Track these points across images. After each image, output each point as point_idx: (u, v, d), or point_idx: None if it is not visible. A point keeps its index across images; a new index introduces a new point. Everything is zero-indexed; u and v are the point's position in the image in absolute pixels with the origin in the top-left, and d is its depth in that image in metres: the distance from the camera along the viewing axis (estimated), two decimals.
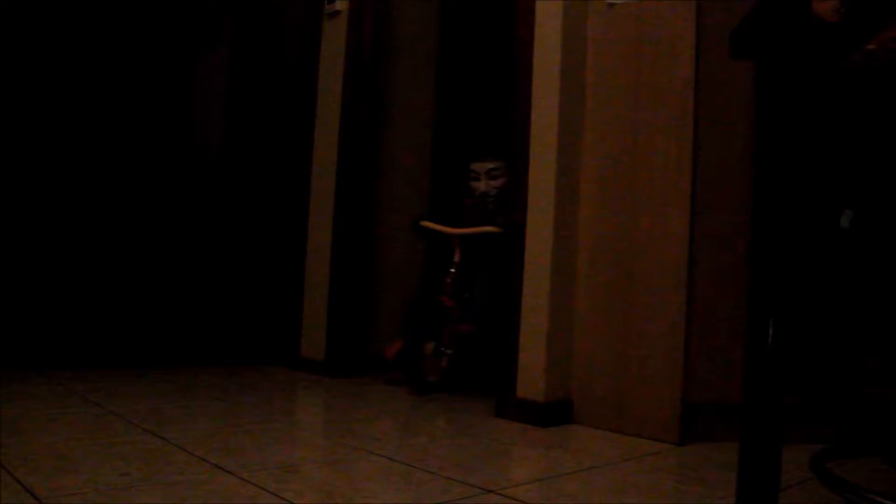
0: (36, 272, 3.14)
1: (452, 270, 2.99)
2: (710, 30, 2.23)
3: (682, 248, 2.21)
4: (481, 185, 3.16)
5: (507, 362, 2.46)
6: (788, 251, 1.26)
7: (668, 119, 2.26)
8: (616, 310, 2.34)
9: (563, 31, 2.41)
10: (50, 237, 3.19)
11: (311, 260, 3.31)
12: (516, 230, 2.48)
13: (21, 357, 2.90)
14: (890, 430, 2.04)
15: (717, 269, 2.22)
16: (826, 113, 1.41)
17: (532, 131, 2.46)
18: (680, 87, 2.24)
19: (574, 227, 2.44)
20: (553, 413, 2.37)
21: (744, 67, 2.10)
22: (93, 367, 2.94)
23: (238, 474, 1.63)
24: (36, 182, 3.19)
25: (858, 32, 1.29)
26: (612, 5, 2.41)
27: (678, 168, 2.23)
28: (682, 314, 2.20)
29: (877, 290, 1.32)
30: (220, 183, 3.62)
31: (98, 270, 3.28)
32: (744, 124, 2.20)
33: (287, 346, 3.33)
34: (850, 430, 2.19)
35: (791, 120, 1.29)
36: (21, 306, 3.04)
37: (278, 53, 3.64)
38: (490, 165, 3.15)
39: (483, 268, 3.03)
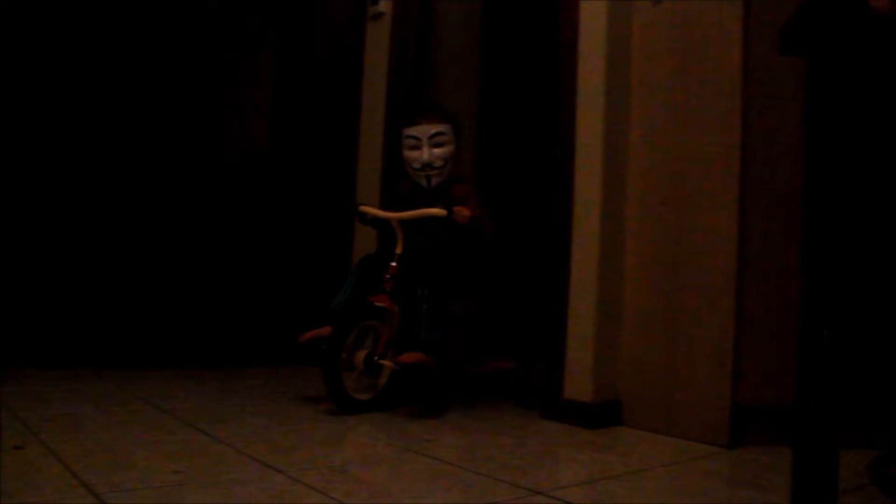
0: (88, 271, 3.21)
1: (393, 265, 2.46)
2: (758, 24, 2.19)
3: (731, 246, 2.17)
4: (422, 154, 2.59)
5: (554, 363, 2.44)
6: (841, 253, 1.23)
7: (715, 117, 2.23)
8: (664, 310, 2.31)
9: (607, 28, 2.39)
10: (104, 237, 3.26)
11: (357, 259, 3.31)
12: (562, 229, 2.45)
13: (74, 356, 2.97)
14: None
15: (768, 270, 2.18)
16: (883, 110, 1.38)
17: (577, 131, 2.44)
18: (727, 84, 2.20)
19: (622, 226, 2.42)
20: (601, 414, 2.35)
21: (795, 63, 2.06)
22: (145, 367, 3.01)
23: (287, 473, 1.65)
24: (94, 182, 3.27)
25: None
26: (657, 2, 2.38)
27: (727, 168, 2.19)
28: (731, 315, 2.16)
29: None
30: (267, 183, 3.66)
31: (151, 270, 3.35)
32: (794, 123, 2.16)
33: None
34: None
35: (844, 118, 1.27)
36: (73, 306, 3.12)
37: (322, 54, 3.67)
38: (434, 129, 2.60)
39: (430, 265, 2.52)
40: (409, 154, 2.63)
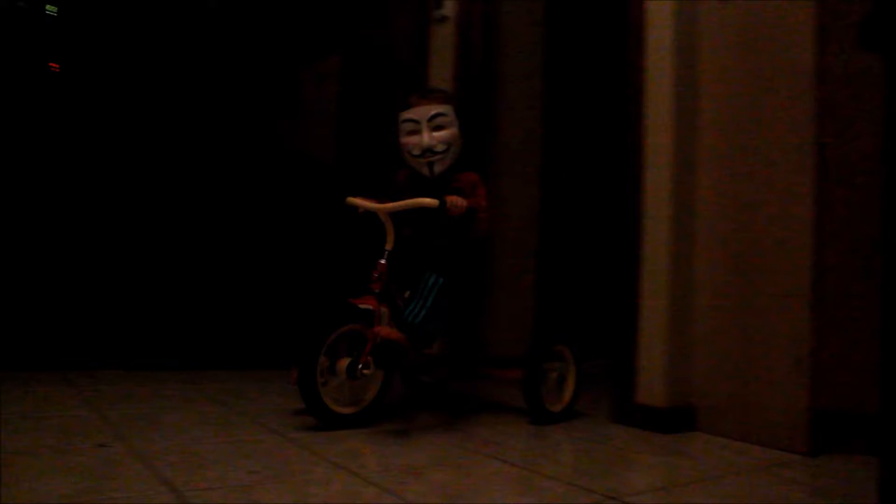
0: (164, 275, 3.30)
1: (382, 262, 2.20)
2: (832, 17, 2.12)
3: (807, 244, 2.11)
4: (423, 139, 2.31)
5: (625, 366, 2.41)
6: None
7: (787, 116, 2.17)
8: (737, 312, 2.26)
9: (673, 27, 2.35)
10: (176, 240, 3.35)
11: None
12: (633, 228, 2.42)
13: (154, 358, 3.05)
14: None
15: (848, 269, 2.11)
16: None
17: (646, 129, 2.40)
18: (800, 81, 2.14)
19: (692, 226, 2.37)
20: (674, 419, 2.31)
21: (873, 59, 1.99)
22: (222, 368, 3.08)
23: (361, 475, 1.66)
24: (166, 189, 3.36)
25: None
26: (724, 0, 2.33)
27: (800, 166, 2.13)
28: (807, 315, 2.09)
29: None
30: (333, 194, 3.70)
31: (226, 274, 3.42)
32: (872, 121, 2.08)
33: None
34: None
35: None
36: (153, 308, 3.21)
37: (386, 60, 3.70)
38: (434, 109, 2.32)
39: (430, 261, 2.30)
40: (408, 140, 2.34)
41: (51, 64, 3.66)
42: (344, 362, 2.10)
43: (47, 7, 3.60)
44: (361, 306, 2.12)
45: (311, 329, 2.07)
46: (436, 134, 2.31)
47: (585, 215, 3.93)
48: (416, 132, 2.32)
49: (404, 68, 3.54)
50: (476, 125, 3.26)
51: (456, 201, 2.20)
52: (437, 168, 2.36)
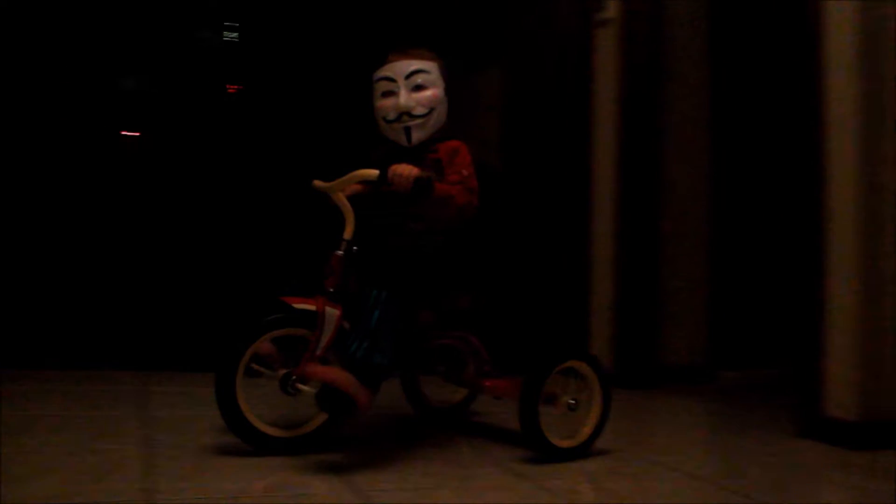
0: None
1: (339, 253, 1.75)
2: None
3: None
4: (399, 100, 1.88)
5: (809, 374, 2.25)
6: None
7: None
8: None
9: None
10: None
11: (596, 270, 3.27)
12: (816, 220, 2.25)
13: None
14: None
15: None
16: None
17: (828, 122, 2.24)
18: None
19: (882, 220, 2.18)
20: (869, 435, 2.12)
21: None
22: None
23: (536, 480, 1.65)
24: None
25: None
26: None
27: None
28: None
29: None
30: (502, 201, 3.69)
31: None
32: None
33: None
34: None
35: None
36: None
37: (547, 65, 3.68)
38: (413, 65, 1.90)
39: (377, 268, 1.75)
40: (382, 103, 1.92)
41: (228, 87, 3.91)
42: (282, 373, 1.74)
43: (225, 33, 3.85)
44: (297, 307, 1.73)
45: (235, 333, 1.72)
46: (415, 95, 1.89)
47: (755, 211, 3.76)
48: (393, 93, 1.90)
49: (566, 72, 3.51)
50: (643, 127, 3.18)
51: (400, 170, 1.72)
52: (416, 135, 1.91)
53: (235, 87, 3.88)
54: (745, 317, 3.61)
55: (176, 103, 3.66)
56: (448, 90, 1.95)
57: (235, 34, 3.82)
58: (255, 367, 1.72)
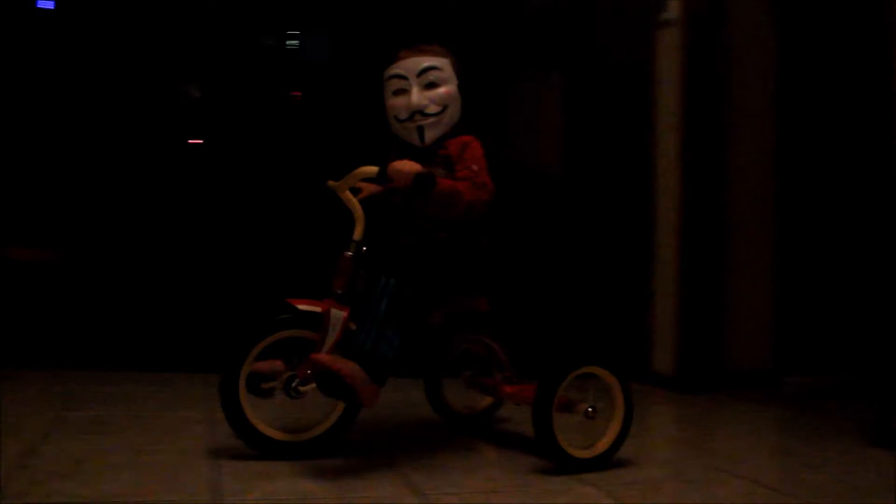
0: None
1: (348, 254, 1.73)
2: None
3: None
4: (411, 98, 1.84)
5: (884, 381, 2.18)
6: None
7: None
8: None
9: None
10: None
11: (659, 271, 3.23)
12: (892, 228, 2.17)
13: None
14: None
15: None
16: None
17: None
18: None
19: None
20: None
21: None
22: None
23: (597, 485, 1.64)
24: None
25: None
26: None
27: None
28: None
29: None
30: (563, 204, 3.67)
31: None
32: None
33: (635, 358, 3.26)
34: None
35: None
36: None
37: (609, 68, 3.64)
38: (425, 62, 1.86)
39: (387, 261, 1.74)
40: (394, 102, 1.88)
41: (293, 93, 3.97)
42: (283, 374, 1.71)
43: (287, 42, 3.91)
44: (301, 308, 1.71)
45: (238, 335, 1.72)
46: (428, 93, 1.85)
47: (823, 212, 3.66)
48: (405, 91, 1.86)
49: (628, 74, 3.48)
50: (707, 132, 3.14)
51: (400, 166, 1.69)
52: (429, 134, 1.87)
53: (298, 93, 3.94)
54: (812, 321, 3.51)
55: (239, 110, 3.72)
56: (460, 87, 1.91)
57: (297, 41, 3.88)
58: (264, 386, 1.69)
